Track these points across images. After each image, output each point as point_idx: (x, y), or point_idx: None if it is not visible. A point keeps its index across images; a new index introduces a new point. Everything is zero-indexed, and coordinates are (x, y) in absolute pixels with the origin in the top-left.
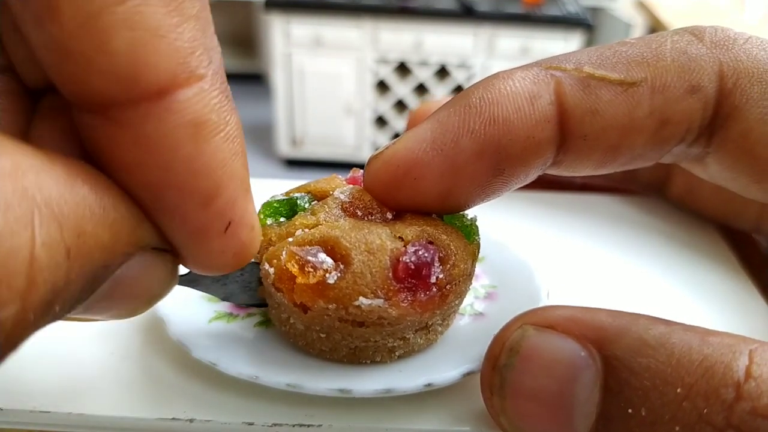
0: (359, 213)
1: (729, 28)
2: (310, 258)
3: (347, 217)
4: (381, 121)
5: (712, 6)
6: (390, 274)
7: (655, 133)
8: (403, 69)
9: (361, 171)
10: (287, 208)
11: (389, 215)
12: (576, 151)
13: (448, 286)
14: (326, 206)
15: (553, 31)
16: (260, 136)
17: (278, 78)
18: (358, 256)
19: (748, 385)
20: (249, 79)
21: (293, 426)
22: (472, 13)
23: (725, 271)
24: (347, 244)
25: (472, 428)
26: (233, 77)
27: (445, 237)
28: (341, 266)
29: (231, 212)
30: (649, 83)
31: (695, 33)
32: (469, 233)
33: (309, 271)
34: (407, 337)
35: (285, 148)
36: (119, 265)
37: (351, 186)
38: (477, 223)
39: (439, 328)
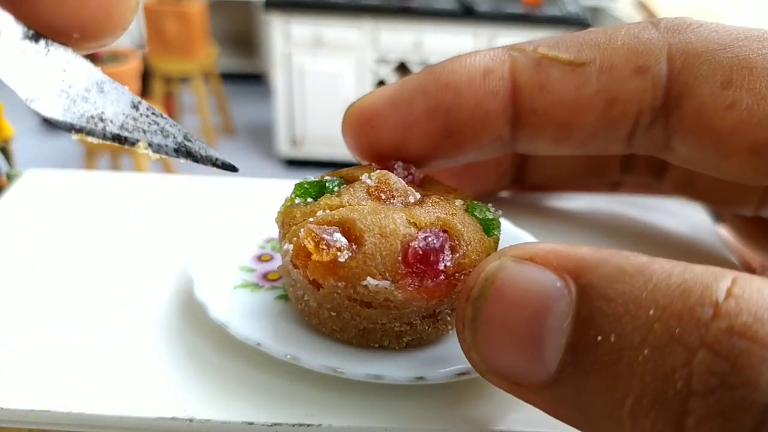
0: (383, 197)
1: (690, 17)
2: (325, 236)
3: (370, 201)
4: None
5: (712, 7)
6: (399, 258)
7: (604, 111)
8: (403, 69)
9: (399, 162)
10: (317, 189)
11: (411, 199)
12: (529, 125)
13: (456, 275)
14: (352, 189)
15: (553, 31)
16: (260, 136)
17: (278, 78)
18: (370, 239)
19: (727, 303)
20: (249, 79)
21: (293, 426)
22: (472, 13)
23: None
24: (362, 226)
25: (474, 429)
26: (233, 77)
27: (460, 227)
28: (354, 247)
29: None
30: (597, 64)
31: (653, 22)
32: (489, 228)
33: (323, 249)
34: (414, 323)
35: (285, 148)
36: None
37: (378, 171)
38: (501, 220)
39: (449, 318)
